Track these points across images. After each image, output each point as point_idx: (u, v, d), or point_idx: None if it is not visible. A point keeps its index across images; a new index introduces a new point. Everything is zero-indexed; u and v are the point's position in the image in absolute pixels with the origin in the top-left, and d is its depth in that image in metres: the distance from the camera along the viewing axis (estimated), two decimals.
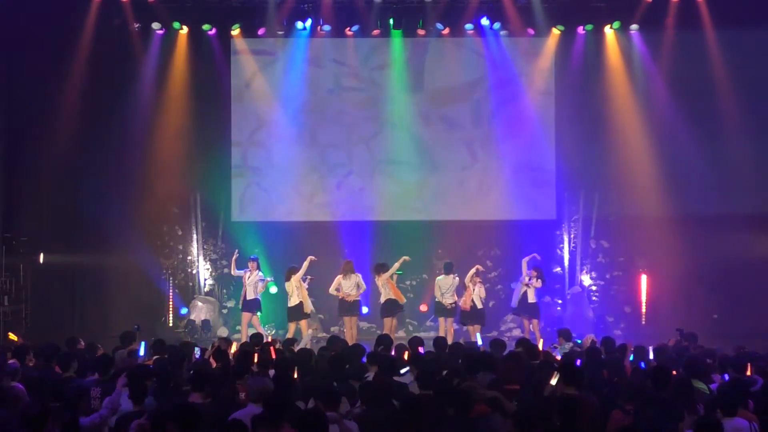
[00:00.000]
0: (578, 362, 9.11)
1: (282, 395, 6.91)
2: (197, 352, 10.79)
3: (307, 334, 13.96)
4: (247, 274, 15.40)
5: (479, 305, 15.09)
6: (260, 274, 15.44)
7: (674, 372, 8.46)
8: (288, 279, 15.12)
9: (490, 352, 9.89)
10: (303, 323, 15.13)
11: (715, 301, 16.44)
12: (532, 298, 15.28)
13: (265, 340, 11.72)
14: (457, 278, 15.23)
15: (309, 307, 15.28)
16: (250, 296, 15.36)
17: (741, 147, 16.79)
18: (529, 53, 18.18)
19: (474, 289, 15.06)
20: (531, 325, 15.38)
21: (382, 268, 15.22)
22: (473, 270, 15.19)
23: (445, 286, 15.16)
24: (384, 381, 7.79)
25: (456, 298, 15.20)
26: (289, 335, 14.59)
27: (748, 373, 8.85)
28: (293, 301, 15.09)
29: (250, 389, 7.37)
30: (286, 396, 7.00)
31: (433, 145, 18.22)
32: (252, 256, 15.70)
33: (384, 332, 13.49)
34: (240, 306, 15.70)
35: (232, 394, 7.91)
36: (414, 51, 18.17)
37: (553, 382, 7.78)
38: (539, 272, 15.35)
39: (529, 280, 15.24)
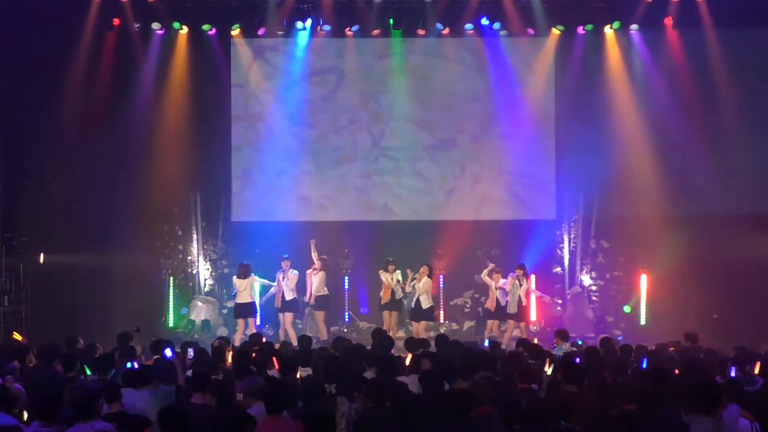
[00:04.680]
0: (577, 360, 9.12)
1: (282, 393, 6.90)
2: (190, 352, 10.75)
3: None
4: (281, 275, 15.39)
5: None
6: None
7: (677, 371, 8.47)
8: (245, 276, 15.20)
9: (489, 352, 9.88)
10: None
11: (715, 301, 16.42)
12: (524, 300, 15.22)
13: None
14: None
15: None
16: (288, 297, 15.35)
17: (741, 147, 16.78)
18: (529, 53, 18.18)
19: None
20: (519, 329, 15.31)
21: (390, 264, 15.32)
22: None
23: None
24: (384, 381, 7.78)
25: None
26: (239, 332, 14.96)
27: (756, 371, 8.87)
28: (243, 298, 15.19)
29: (244, 390, 7.39)
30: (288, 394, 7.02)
31: (432, 145, 18.22)
32: (284, 255, 15.63)
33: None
34: (277, 306, 15.60)
35: (230, 395, 7.90)
36: (414, 51, 18.17)
37: (548, 370, 7.81)
38: (523, 268, 15.26)
39: (520, 281, 15.14)
